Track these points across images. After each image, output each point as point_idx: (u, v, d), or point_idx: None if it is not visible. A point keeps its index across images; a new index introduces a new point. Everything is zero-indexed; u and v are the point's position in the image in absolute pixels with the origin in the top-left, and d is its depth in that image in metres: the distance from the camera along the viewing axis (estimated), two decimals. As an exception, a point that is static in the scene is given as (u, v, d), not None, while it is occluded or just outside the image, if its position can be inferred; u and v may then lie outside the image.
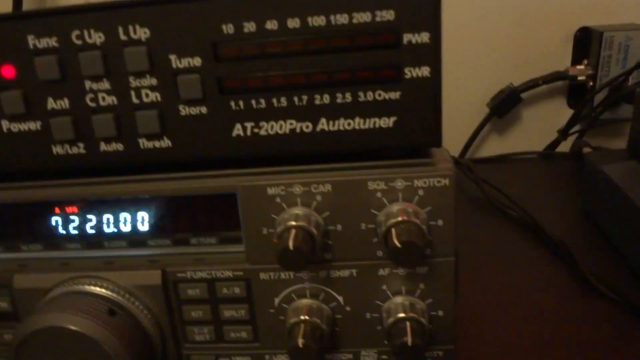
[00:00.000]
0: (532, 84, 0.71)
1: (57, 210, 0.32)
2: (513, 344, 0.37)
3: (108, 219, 0.32)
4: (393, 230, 0.26)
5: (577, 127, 0.71)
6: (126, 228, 0.31)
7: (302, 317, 0.29)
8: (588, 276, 0.43)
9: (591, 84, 0.67)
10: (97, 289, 0.31)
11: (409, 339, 0.27)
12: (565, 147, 0.72)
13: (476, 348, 0.37)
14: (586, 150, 0.64)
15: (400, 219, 0.27)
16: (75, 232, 0.32)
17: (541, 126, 0.74)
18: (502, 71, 0.71)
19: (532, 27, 0.70)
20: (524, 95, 0.72)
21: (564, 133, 0.69)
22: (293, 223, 0.27)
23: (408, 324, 0.28)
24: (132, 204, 0.31)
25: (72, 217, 0.32)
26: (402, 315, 0.28)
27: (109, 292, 0.31)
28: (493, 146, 0.76)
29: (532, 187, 0.63)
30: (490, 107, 0.71)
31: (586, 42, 0.68)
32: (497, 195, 0.57)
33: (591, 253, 0.47)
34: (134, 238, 0.31)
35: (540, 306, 0.41)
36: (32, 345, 0.29)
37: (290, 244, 0.26)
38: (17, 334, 0.29)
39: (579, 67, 0.68)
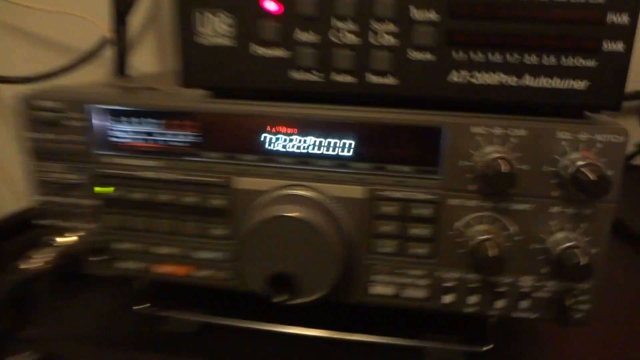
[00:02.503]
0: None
1: (277, 129, 0.38)
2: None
3: (314, 142, 0.38)
4: (585, 168, 0.32)
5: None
6: (334, 152, 0.37)
7: (488, 236, 0.35)
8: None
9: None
10: (310, 194, 0.37)
11: (581, 259, 0.33)
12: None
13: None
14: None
15: (587, 161, 0.33)
16: (291, 150, 0.38)
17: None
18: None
19: None
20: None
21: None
22: (499, 155, 0.33)
23: (577, 250, 0.34)
24: (344, 131, 0.37)
25: (291, 137, 0.38)
26: (572, 243, 0.34)
27: (320, 197, 0.36)
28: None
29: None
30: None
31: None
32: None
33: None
34: (341, 160, 0.37)
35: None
36: (258, 236, 0.35)
37: (504, 167, 0.32)
38: (249, 224, 0.35)
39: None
